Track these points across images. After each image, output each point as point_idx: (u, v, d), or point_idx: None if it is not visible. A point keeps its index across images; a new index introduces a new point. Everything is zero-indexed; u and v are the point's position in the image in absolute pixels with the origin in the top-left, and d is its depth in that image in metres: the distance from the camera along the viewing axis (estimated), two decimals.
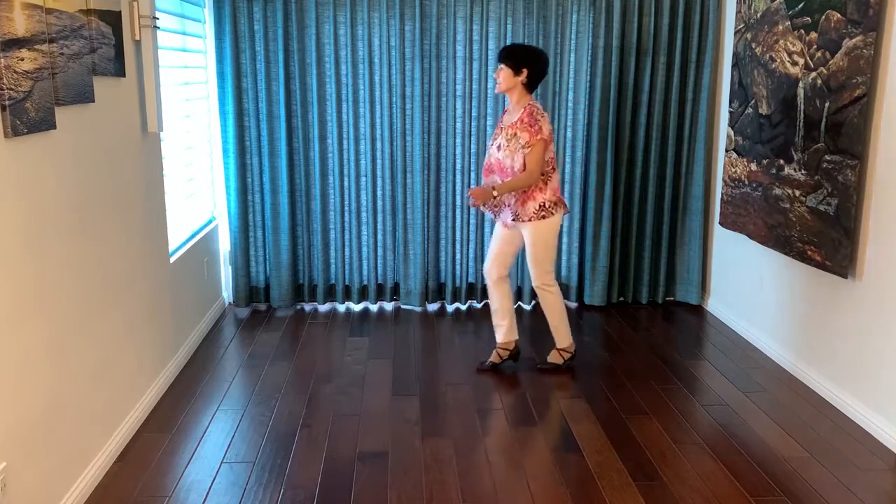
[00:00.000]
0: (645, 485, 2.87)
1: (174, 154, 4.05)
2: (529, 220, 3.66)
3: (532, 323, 4.68)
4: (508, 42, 4.67)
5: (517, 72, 3.60)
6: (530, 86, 3.65)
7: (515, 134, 3.58)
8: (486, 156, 3.79)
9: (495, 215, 3.85)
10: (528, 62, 3.59)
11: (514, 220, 3.70)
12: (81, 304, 2.76)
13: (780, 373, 3.94)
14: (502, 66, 3.63)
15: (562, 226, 4.93)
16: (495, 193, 3.60)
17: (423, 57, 4.64)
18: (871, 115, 3.28)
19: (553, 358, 3.97)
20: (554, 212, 3.67)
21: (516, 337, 3.99)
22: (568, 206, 4.84)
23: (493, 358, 3.98)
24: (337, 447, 3.13)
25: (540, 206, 3.64)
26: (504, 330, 3.95)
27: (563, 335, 3.93)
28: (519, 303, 5.04)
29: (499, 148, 3.66)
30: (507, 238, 3.85)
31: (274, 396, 3.61)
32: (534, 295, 5.02)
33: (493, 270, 3.91)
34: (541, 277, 3.79)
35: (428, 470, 2.96)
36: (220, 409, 3.48)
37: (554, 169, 3.69)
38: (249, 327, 4.59)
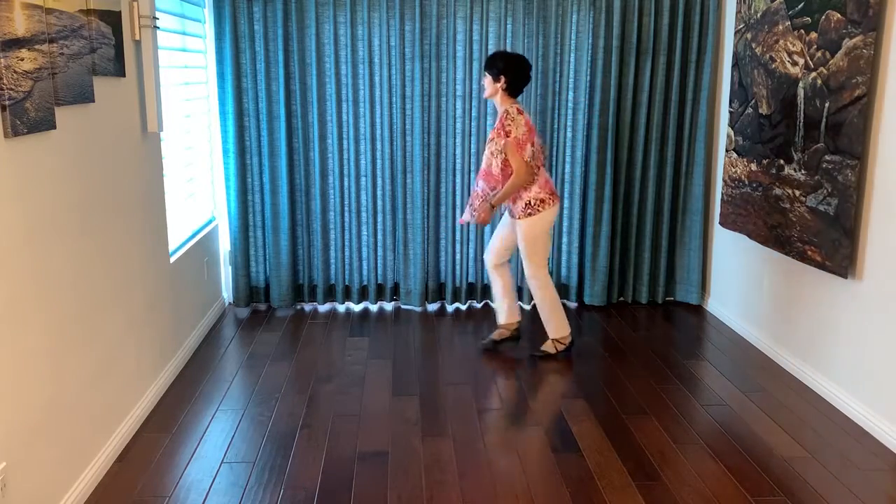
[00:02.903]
0: (645, 485, 2.87)
1: (174, 154, 4.05)
2: (519, 217, 3.89)
3: (532, 316, 4.68)
4: (508, 42, 4.68)
5: (496, 79, 3.79)
6: (511, 91, 3.80)
7: (492, 139, 3.80)
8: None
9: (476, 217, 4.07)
10: (507, 70, 3.76)
11: (511, 215, 3.97)
12: (81, 304, 2.76)
13: (780, 373, 3.94)
14: (485, 73, 3.84)
15: (557, 222, 4.95)
16: (494, 205, 3.86)
17: (423, 57, 4.64)
18: (871, 115, 3.28)
19: (547, 346, 4.11)
20: (541, 209, 3.84)
21: (517, 318, 4.21)
22: (561, 198, 4.92)
23: (494, 335, 4.22)
24: (337, 447, 3.13)
25: (526, 204, 3.84)
26: (504, 311, 4.18)
27: (554, 326, 4.06)
28: (518, 303, 5.03)
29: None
30: (506, 232, 4.07)
31: (274, 396, 3.61)
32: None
33: (490, 258, 4.15)
34: (530, 270, 3.96)
35: (428, 470, 2.96)
36: (220, 409, 3.48)
37: (539, 167, 3.86)
38: (249, 327, 4.59)
